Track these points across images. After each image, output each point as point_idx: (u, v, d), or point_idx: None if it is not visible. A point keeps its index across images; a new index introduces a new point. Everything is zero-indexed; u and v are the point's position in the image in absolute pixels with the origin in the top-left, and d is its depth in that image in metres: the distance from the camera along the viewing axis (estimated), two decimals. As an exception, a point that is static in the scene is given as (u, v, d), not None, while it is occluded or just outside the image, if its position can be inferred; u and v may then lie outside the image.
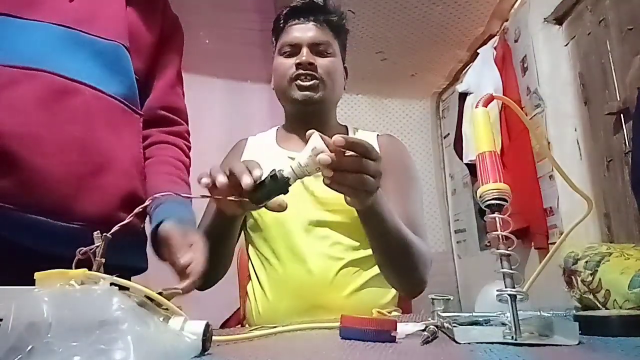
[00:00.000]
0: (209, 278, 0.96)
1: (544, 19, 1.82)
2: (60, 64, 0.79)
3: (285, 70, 1.03)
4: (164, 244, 0.75)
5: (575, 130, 1.73)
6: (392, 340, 0.53)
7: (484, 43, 2.28)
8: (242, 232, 1.05)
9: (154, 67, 0.97)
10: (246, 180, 0.63)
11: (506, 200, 0.52)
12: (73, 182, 0.77)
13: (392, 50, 2.42)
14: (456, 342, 0.50)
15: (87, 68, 0.82)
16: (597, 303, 0.68)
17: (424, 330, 0.56)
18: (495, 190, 0.52)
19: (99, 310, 0.39)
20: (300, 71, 1.00)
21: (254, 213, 1.00)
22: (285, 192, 0.65)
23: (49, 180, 0.75)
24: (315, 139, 0.63)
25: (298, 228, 0.96)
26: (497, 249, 0.51)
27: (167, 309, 0.50)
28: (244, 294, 1.08)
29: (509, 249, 0.51)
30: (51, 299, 0.39)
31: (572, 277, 0.74)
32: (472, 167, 2.35)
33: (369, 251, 0.97)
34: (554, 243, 1.15)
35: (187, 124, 1.03)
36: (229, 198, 0.66)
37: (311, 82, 1.00)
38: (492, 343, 0.48)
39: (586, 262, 0.72)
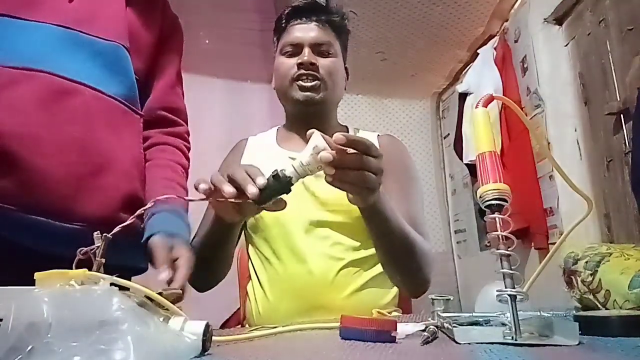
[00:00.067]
0: (208, 281, 0.97)
1: (544, 19, 1.82)
2: (60, 64, 0.79)
3: (286, 70, 1.03)
4: (151, 258, 0.76)
5: (575, 130, 1.73)
6: (392, 340, 0.53)
7: (484, 43, 2.28)
8: (242, 232, 1.06)
9: (153, 67, 0.97)
10: (252, 190, 0.63)
11: (506, 201, 0.52)
12: (73, 182, 0.77)
13: (392, 50, 2.42)
14: (456, 342, 0.50)
15: (87, 68, 0.82)
16: (597, 303, 0.68)
17: (424, 330, 0.56)
18: (495, 191, 0.52)
19: (99, 310, 0.39)
20: (302, 71, 1.00)
21: (254, 213, 1.00)
22: (288, 191, 0.65)
23: (49, 181, 0.75)
24: (316, 137, 0.63)
25: (298, 228, 0.96)
26: (497, 249, 0.51)
27: (167, 309, 0.50)
28: (244, 294, 1.08)
29: (509, 249, 0.51)
30: (51, 299, 0.39)
31: (572, 277, 0.74)
32: (472, 167, 2.35)
33: (370, 251, 0.98)
34: (554, 243, 1.15)
35: (187, 124, 1.03)
36: (230, 200, 0.66)
37: (313, 83, 1.00)
38: (492, 343, 0.48)
39: (586, 262, 0.72)
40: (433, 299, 0.64)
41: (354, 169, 0.67)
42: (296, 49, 1.03)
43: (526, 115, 1.61)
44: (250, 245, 1.06)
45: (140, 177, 0.90)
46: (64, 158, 0.76)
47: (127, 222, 0.57)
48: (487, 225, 0.54)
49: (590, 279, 0.69)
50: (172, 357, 0.43)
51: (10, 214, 0.73)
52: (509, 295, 0.49)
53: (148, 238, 0.77)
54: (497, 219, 0.52)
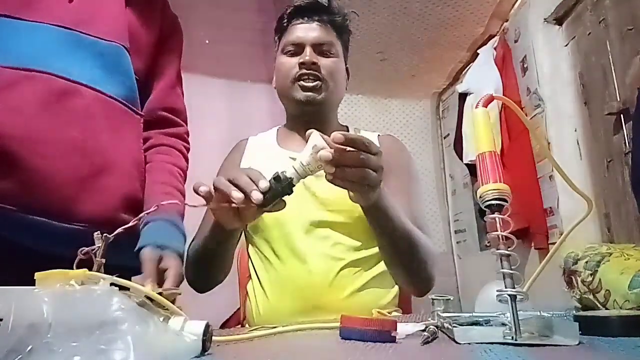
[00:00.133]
0: (207, 283, 0.97)
1: (544, 19, 1.82)
2: (60, 65, 0.79)
3: (288, 70, 1.03)
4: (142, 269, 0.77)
5: (575, 130, 1.73)
6: (392, 340, 0.53)
7: (484, 43, 2.28)
8: (242, 232, 1.06)
9: (153, 67, 0.97)
10: (256, 196, 0.63)
11: (506, 201, 0.52)
12: (74, 183, 0.77)
13: (392, 50, 2.42)
14: (456, 342, 0.50)
15: (87, 69, 0.82)
16: (597, 303, 0.68)
17: (424, 330, 0.56)
18: (495, 191, 0.52)
19: (99, 310, 0.39)
20: (304, 71, 1.00)
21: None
22: (290, 192, 0.65)
23: (49, 181, 0.75)
24: (315, 137, 0.64)
25: (299, 228, 0.96)
26: (497, 249, 0.51)
27: (167, 309, 0.50)
28: (244, 293, 1.08)
29: (509, 249, 0.51)
30: (51, 299, 0.39)
31: (572, 277, 0.74)
32: (472, 167, 2.35)
33: (370, 251, 0.98)
34: (554, 243, 1.15)
35: (186, 124, 1.03)
36: (233, 206, 0.66)
37: (314, 83, 1.00)
38: (492, 343, 0.48)
39: (586, 262, 0.72)
40: (433, 299, 0.64)
41: (354, 167, 0.67)
42: (298, 48, 1.04)
43: (526, 115, 1.61)
44: (250, 245, 1.06)
45: (140, 177, 0.90)
46: (64, 159, 0.76)
47: (129, 225, 0.57)
48: (487, 225, 0.54)
49: (590, 279, 0.69)
50: (172, 357, 0.43)
51: (11, 214, 0.73)
52: (509, 295, 0.49)
53: (140, 248, 0.78)
54: (497, 219, 0.52)
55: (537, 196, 1.83)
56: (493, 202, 0.52)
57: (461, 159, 2.38)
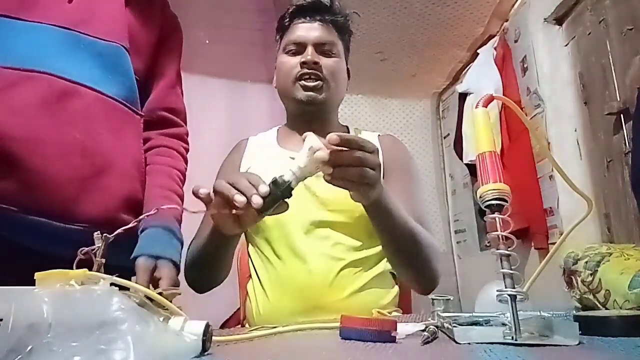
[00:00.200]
0: (207, 285, 0.97)
1: (544, 19, 1.82)
2: (60, 65, 0.79)
3: (289, 69, 1.03)
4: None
5: (575, 130, 1.73)
6: (392, 340, 0.53)
7: (484, 43, 2.28)
8: (243, 232, 1.05)
9: (153, 67, 0.97)
10: (257, 201, 0.63)
11: (506, 201, 0.52)
12: (74, 183, 0.77)
13: (392, 50, 2.42)
14: (456, 342, 0.50)
15: (87, 69, 0.82)
16: (597, 303, 0.68)
17: (424, 330, 0.56)
18: (495, 191, 0.52)
19: (99, 310, 0.39)
20: (305, 70, 1.00)
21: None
22: (289, 196, 0.65)
23: (49, 182, 0.75)
24: (311, 138, 0.64)
25: (299, 228, 0.96)
26: (497, 249, 0.51)
27: (167, 309, 0.50)
28: (244, 293, 1.08)
29: (509, 249, 0.51)
30: (51, 299, 0.39)
31: (572, 277, 0.74)
32: (472, 167, 2.35)
33: (370, 251, 0.98)
34: (554, 243, 1.15)
35: (186, 124, 1.03)
36: (233, 212, 0.66)
37: (315, 83, 1.00)
38: (492, 343, 0.48)
39: (586, 262, 0.72)
40: (433, 299, 0.64)
41: (351, 166, 0.67)
42: (299, 47, 1.04)
43: (526, 115, 1.61)
44: (250, 245, 1.06)
45: (140, 177, 0.90)
46: (64, 159, 0.76)
47: (128, 226, 0.57)
48: (487, 225, 0.54)
49: (590, 279, 0.69)
50: (172, 357, 0.43)
51: (11, 214, 0.73)
52: (509, 295, 0.49)
53: (136, 257, 0.79)
54: (497, 219, 0.52)
55: (537, 196, 1.83)
56: (493, 202, 0.52)
57: (461, 159, 2.38)
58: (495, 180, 0.53)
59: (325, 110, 1.06)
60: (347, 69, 1.12)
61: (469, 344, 0.49)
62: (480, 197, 0.53)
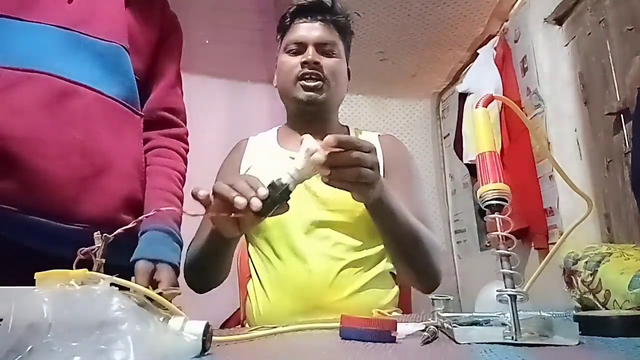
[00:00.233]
0: (206, 285, 0.97)
1: (544, 19, 1.82)
2: (60, 65, 0.79)
3: (290, 69, 1.03)
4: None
5: (575, 130, 1.73)
6: (392, 340, 0.53)
7: (484, 43, 2.28)
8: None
9: (153, 67, 0.97)
10: (256, 204, 0.63)
11: (506, 201, 0.52)
12: (74, 184, 0.77)
13: (392, 50, 2.42)
14: (456, 342, 0.50)
15: (87, 70, 0.82)
16: (597, 303, 0.68)
17: (424, 330, 0.56)
18: (495, 191, 0.52)
19: (99, 310, 0.39)
20: (306, 70, 1.00)
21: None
22: (287, 199, 0.65)
23: (50, 182, 0.75)
24: (308, 140, 0.64)
25: (299, 228, 0.96)
26: (497, 249, 0.51)
27: (167, 309, 0.50)
28: (244, 293, 1.08)
29: (509, 249, 0.51)
30: (51, 299, 0.39)
31: (572, 277, 0.74)
32: (472, 167, 2.35)
33: (371, 251, 0.98)
34: (554, 243, 1.15)
35: (186, 124, 1.03)
36: (233, 216, 0.66)
37: (316, 83, 1.00)
38: (492, 343, 0.48)
39: (586, 262, 0.72)
40: (433, 299, 0.64)
41: (349, 167, 0.67)
42: (300, 47, 1.04)
43: (526, 115, 1.61)
44: (250, 245, 1.06)
45: (140, 177, 0.90)
46: (65, 159, 0.76)
47: (128, 227, 0.57)
48: (487, 225, 0.54)
49: (590, 279, 0.69)
50: (172, 357, 0.43)
51: (11, 214, 0.73)
52: (509, 295, 0.49)
53: (135, 261, 0.79)
54: (497, 219, 0.52)
55: (537, 196, 1.83)
56: (493, 202, 0.52)
57: (461, 159, 2.38)
58: (495, 180, 0.53)
59: (326, 110, 1.05)
60: (348, 69, 1.12)
61: (469, 344, 0.49)
62: (480, 197, 0.53)
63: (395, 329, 0.53)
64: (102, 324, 0.38)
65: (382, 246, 1.00)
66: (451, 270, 2.78)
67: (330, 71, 1.02)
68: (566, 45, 1.78)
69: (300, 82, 1.01)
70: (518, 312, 0.49)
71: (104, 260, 0.53)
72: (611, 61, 1.53)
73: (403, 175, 1.03)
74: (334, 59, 1.04)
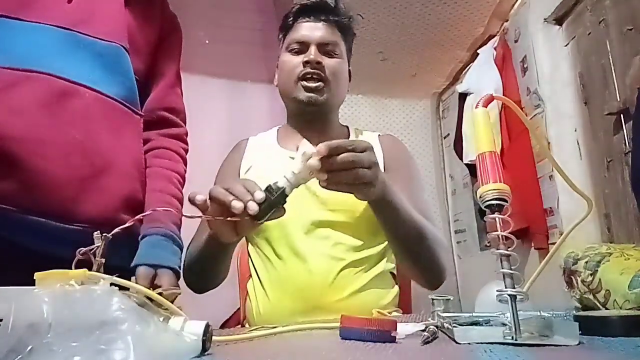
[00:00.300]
0: (205, 286, 0.97)
1: (544, 19, 1.81)
2: (60, 65, 0.79)
3: (292, 68, 1.03)
4: None
5: (575, 130, 1.73)
6: (392, 340, 0.53)
7: (484, 43, 2.28)
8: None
9: (153, 67, 0.97)
10: (253, 207, 0.63)
11: (506, 201, 0.52)
12: (74, 184, 0.77)
13: (392, 50, 2.42)
14: (456, 342, 0.50)
15: (87, 70, 0.82)
16: (597, 303, 0.68)
17: (424, 330, 0.56)
18: (495, 191, 0.52)
19: (99, 310, 0.39)
20: (308, 69, 1.00)
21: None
22: (283, 202, 0.66)
23: (50, 182, 0.75)
24: (304, 144, 0.65)
25: (299, 228, 0.96)
26: (497, 249, 0.51)
27: (167, 309, 0.50)
28: (245, 293, 1.08)
29: (509, 249, 0.51)
30: (51, 299, 0.39)
31: (572, 277, 0.74)
32: (472, 167, 2.35)
33: (371, 251, 0.98)
34: (554, 243, 1.15)
35: (185, 124, 1.03)
36: (230, 219, 0.65)
37: (317, 84, 1.00)
38: (492, 343, 0.48)
39: (586, 262, 0.72)
40: (433, 299, 0.64)
41: (345, 169, 0.67)
42: (302, 47, 1.04)
43: (526, 115, 1.61)
44: (250, 245, 1.06)
45: (140, 177, 0.90)
46: (65, 160, 0.76)
47: (127, 225, 0.57)
48: (487, 225, 0.54)
49: (590, 279, 0.69)
50: (172, 357, 0.43)
51: (11, 214, 0.73)
52: (509, 295, 0.49)
53: (136, 266, 0.80)
54: (497, 219, 0.52)
55: (537, 196, 1.83)
56: (493, 202, 0.52)
57: (461, 159, 2.38)
58: (495, 180, 0.53)
59: (326, 111, 1.05)
60: (349, 70, 1.12)
61: (469, 344, 0.49)
62: (480, 197, 0.53)
63: (395, 329, 0.53)
64: (102, 324, 0.37)
65: (382, 246, 1.00)
66: (451, 270, 2.78)
67: (331, 71, 1.02)
68: (566, 45, 1.78)
69: (302, 83, 1.01)
70: (518, 312, 0.49)
71: (103, 260, 0.53)
72: (611, 61, 1.53)
73: (404, 174, 1.03)
74: (335, 59, 1.04)
